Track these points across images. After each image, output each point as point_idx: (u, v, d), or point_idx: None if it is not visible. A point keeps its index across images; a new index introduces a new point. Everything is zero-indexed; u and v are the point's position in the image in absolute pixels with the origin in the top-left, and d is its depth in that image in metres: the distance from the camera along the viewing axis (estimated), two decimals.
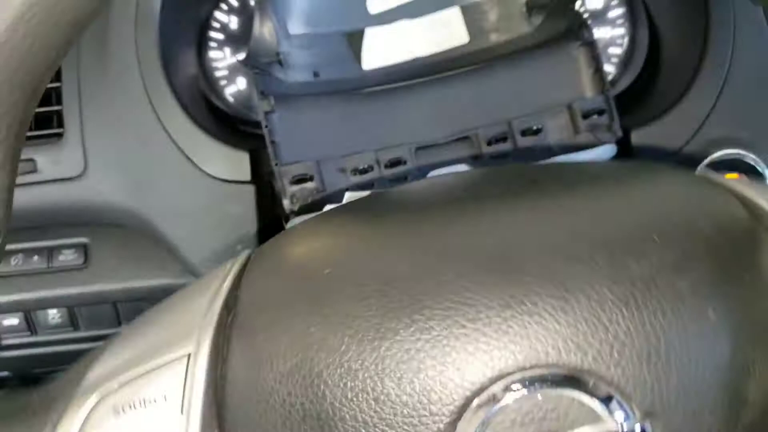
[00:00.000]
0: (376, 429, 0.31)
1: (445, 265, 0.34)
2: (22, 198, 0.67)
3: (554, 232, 0.34)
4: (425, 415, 0.31)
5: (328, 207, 0.63)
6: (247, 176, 0.68)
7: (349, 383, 0.32)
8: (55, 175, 0.69)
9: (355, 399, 0.32)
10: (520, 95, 0.68)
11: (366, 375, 0.32)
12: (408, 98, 0.69)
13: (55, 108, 0.69)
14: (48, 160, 0.69)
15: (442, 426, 0.31)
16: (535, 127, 0.66)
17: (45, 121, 0.69)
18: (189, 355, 0.36)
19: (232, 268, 0.40)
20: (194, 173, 0.68)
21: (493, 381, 0.31)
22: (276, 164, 0.64)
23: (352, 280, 0.35)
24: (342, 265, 0.36)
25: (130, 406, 0.35)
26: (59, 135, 0.69)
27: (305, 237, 0.41)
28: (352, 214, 0.43)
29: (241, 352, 0.36)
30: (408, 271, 0.34)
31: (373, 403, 0.32)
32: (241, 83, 0.80)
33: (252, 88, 0.72)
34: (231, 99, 0.80)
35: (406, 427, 0.31)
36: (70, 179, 0.69)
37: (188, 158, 0.68)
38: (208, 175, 0.68)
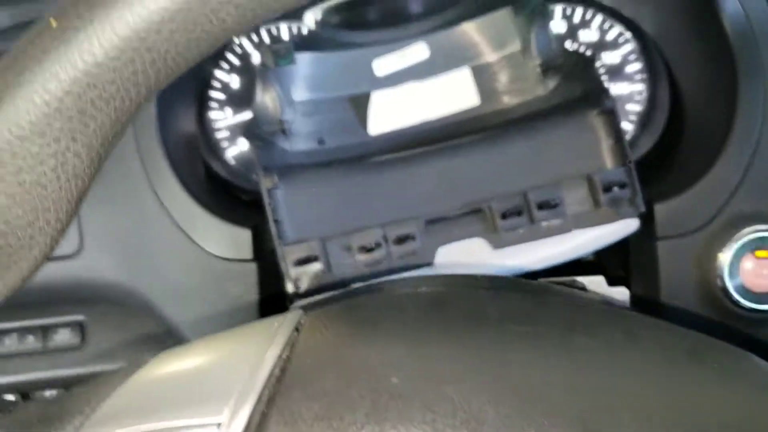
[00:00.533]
0: None
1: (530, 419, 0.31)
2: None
3: None
4: None
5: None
6: (249, 254, 0.65)
7: None
8: (51, 253, 0.66)
9: None
10: (536, 164, 0.64)
11: None
12: (416, 167, 0.65)
13: None
14: None
15: None
16: (552, 201, 0.63)
17: None
18: (218, 426, 0.32)
19: (279, 331, 0.37)
20: (194, 251, 0.65)
21: None
22: (279, 245, 0.61)
23: (422, 402, 0.32)
24: (411, 380, 0.33)
25: None
26: None
27: (367, 323, 0.37)
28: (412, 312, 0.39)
29: None
30: (494, 414, 0.31)
31: None
32: (243, 144, 0.77)
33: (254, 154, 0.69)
34: (232, 162, 0.77)
35: None
36: (65, 257, 0.67)
37: (187, 236, 0.65)
38: (208, 253, 0.65)
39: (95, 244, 0.67)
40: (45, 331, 0.70)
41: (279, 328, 0.38)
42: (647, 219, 0.64)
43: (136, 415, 0.34)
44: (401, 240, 0.64)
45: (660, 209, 0.64)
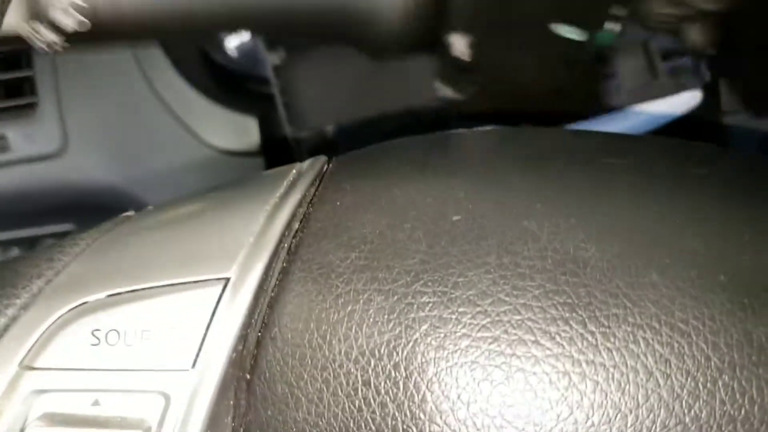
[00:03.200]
0: None
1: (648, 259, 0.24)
2: None
3: None
4: None
5: None
6: (256, 146, 0.57)
7: (456, 391, 0.23)
8: (29, 153, 0.59)
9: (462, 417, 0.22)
10: None
11: (484, 389, 0.23)
12: None
13: (25, 73, 0.58)
14: (20, 136, 0.59)
15: None
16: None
17: (15, 89, 0.59)
18: (226, 282, 0.25)
19: (299, 176, 0.29)
20: (193, 143, 0.58)
21: None
22: (291, 131, 0.53)
23: (497, 240, 0.25)
24: (479, 217, 0.26)
25: (119, 336, 0.25)
26: (32, 105, 0.58)
27: (415, 161, 0.30)
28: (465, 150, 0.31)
29: (303, 298, 0.25)
30: (598, 254, 0.24)
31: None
32: (245, 33, 0.68)
33: (258, 38, 0.61)
34: (233, 54, 0.68)
35: None
36: (47, 157, 0.59)
37: (186, 126, 0.57)
38: (210, 145, 0.57)
39: (81, 141, 0.59)
40: (32, 243, 0.62)
41: (298, 174, 0.30)
42: (711, 93, 0.56)
43: (115, 276, 0.26)
44: (433, 123, 0.56)
45: (726, 80, 0.56)
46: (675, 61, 0.56)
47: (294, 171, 0.30)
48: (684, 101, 0.56)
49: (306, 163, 0.30)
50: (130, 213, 0.30)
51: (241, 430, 0.26)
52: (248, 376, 0.26)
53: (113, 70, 0.58)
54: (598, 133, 0.33)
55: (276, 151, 0.58)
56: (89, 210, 0.62)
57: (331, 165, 0.31)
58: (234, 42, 0.68)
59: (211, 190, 0.31)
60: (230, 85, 0.64)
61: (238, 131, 0.58)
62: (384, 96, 0.56)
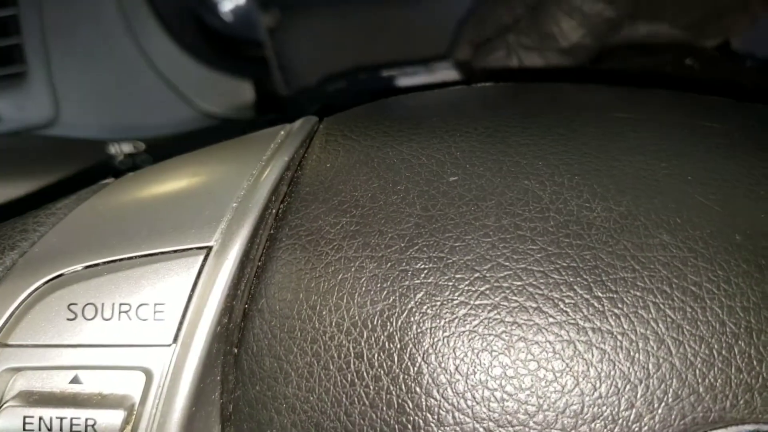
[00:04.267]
0: None
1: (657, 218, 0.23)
2: None
3: None
4: None
5: None
6: (251, 112, 0.55)
7: (454, 362, 0.22)
8: (20, 124, 0.57)
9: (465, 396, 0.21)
10: None
11: (483, 360, 0.21)
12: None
13: (13, 41, 0.56)
14: (10, 106, 0.57)
15: None
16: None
17: (3, 58, 0.57)
18: (208, 251, 0.24)
19: (289, 138, 0.28)
20: (186, 109, 0.56)
21: None
22: (286, 93, 0.51)
23: (496, 202, 0.23)
24: (476, 177, 0.24)
25: (96, 310, 0.24)
26: (21, 74, 0.56)
27: (409, 120, 0.28)
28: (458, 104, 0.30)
29: (291, 266, 0.24)
30: (604, 213, 0.23)
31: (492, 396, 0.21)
32: None
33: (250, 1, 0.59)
34: (227, 17, 0.66)
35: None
36: (38, 127, 0.57)
37: (179, 91, 0.55)
38: (204, 111, 0.55)
39: (72, 110, 0.57)
40: None
41: (287, 135, 0.28)
42: None
43: (92, 247, 0.25)
44: (429, 87, 0.54)
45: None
46: None
47: (282, 132, 0.28)
48: None
49: (296, 124, 0.29)
50: (109, 180, 0.28)
51: (230, 406, 0.24)
52: (236, 350, 0.24)
53: (104, 37, 0.56)
54: (605, 88, 0.31)
55: (271, 116, 0.56)
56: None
57: (321, 125, 0.29)
58: (228, 5, 0.66)
59: (194, 155, 0.29)
60: (224, 49, 0.62)
61: (232, 96, 0.56)
62: (381, 56, 0.54)
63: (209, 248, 0.24)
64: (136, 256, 0.24)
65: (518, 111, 0.27)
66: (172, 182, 0.27)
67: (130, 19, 0.56)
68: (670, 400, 0.21)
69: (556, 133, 0.26)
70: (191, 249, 0.24)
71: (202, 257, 0.24)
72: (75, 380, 0.23)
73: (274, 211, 0.25)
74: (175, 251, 0.24)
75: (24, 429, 0.23)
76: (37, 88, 0.57)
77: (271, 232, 0.25)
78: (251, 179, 0.26)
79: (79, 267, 0.24)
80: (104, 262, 0.24)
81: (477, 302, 0.22)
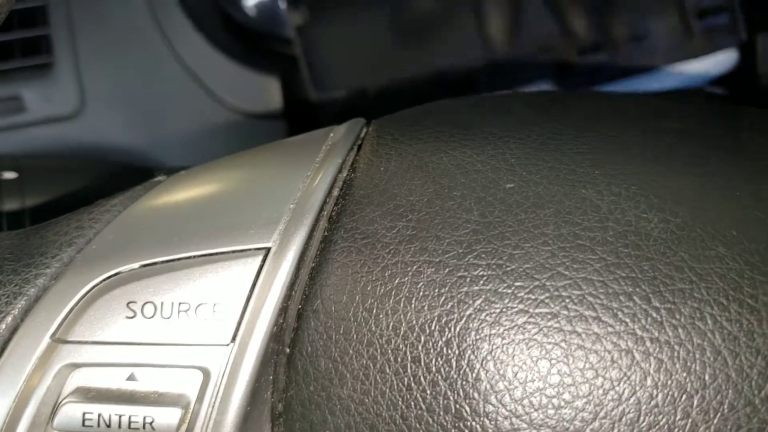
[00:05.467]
0: None
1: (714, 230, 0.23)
2: (8, 143, 0.55)
3: None
4: None
5: None
6: (278, 107, 0.56)
7: (512, 369, 0.22)
8: (45, 115, 0.57)
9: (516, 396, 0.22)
10: None
11: (541, 367, 0.22)
12: (476, 1, 0.55)
13: (42, 32, 0.56)
14: (37, 97, 0.57)
15: None
16: (637, 33, 0.53)
17: (30, 48, 0.57)
18: (267, 252, 0.24)
19: (340, 142, 0.28)
20: (213, 105, 0.56)
21: None
22: (315, 92, 0.51)
23: (554, 210, 0.24)
24: (533, 184, 0.24)
25: (155, 309, 0.24)
26: (49, 65, 0.56)
27: (461, 125, 0.28)
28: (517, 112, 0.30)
29: (347, 269, 0.24)
30: (661, 224, 0.23)
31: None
32: None
33: None
34: (252, 12, 0.67)
35: None
36: (64, 118, 0.57)
37: (206, 87, 0.56)
38: (231, 106, 0.56)
39: (99, 101, 0.58)
40: None
41: (336, 137, 0.28)
42: (748, 51, 0.54)
43: (150, 245, 0.25)
44: (460, 87, 0.54)
45: (764, 41, 0.54)
46: (710, 20, 0.54)
47: (332, 134, 0.29)
48: (719, 62, 0.55)
49: (343, 127, 0.29)
50: (162, 177, 0.28)
51: (280, 406, 0.25)
52: (288, 350, 0.24)
53: (131, 29, 0.56)
54: (646, 96, 0.31)
55: (298, 113, 0.56)
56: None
57: (370, 128, 0.29)
58: (252, 1, 0.66)
59: (244, 155, 0.29)
60: (251, 44, 0.62)
61: (259, 92, 0.56)
62: (410, 57, 0.54)
63: (268, 249, 0.24)
64: (195, 256, 0.24)
65: (570, 118, 0.28)
66: (226, 182, 0.27)
67: (157, 12, 0.56)
68: (726, 410, 0.21)
69: (611, 143, 0.26)
70: (250, 249, 0.24)
71: (261, 258, 0.24)
72: (131, 378, 0.24)
73: (327, 213, 0.25)
74: (234, 251, 0.24)
75: (83, 425, 0.23)
76: (64, 80, 0.57)
77: (326, 234, 0.25)
78: (306, 181, 0.26)
79: (136, 265, 0.24)
80: (162, 261, 0.24)
81: (536, 310, 0.22)
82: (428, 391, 0.22)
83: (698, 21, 0.53)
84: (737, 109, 0.30)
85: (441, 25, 0.54)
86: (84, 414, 0.23)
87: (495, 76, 0.54)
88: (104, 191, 0.28)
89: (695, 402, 0.21)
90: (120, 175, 0.49)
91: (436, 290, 0.23)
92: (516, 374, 0.22)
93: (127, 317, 0.24)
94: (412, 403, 0.22)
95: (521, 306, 0.22)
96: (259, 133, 0.57)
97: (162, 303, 0.24)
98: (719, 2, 0.53)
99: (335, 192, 0.26)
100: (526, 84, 0.54)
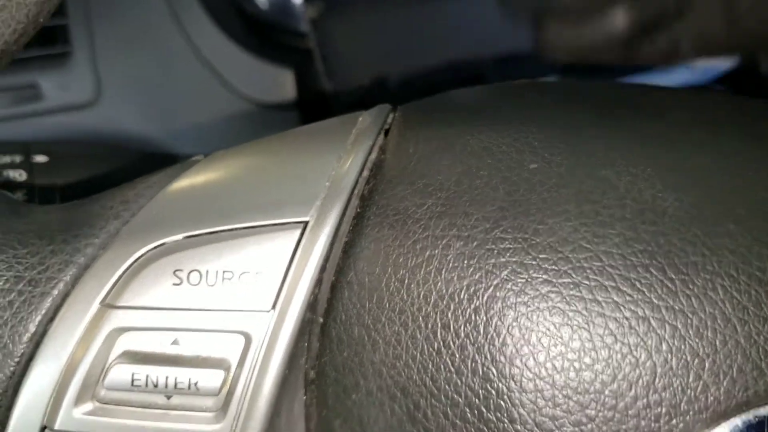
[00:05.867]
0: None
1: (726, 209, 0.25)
2: (25, 130, 0.56)
3: None
4: None
5: None
6: (292, 98, 0.57)
7: (536, 335, 0.23)
8: (62, 103, 0.58)
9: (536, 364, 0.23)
10: None
11: (564, 333, 0.23)
12: None
13: (59, 21, 0.57)
14: (54, 85, 0.58)
15: None
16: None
17: (48, 37, 0.58)
18: (305, 225, 0.26)
19: (369, 126, 0.29)
20: (228, 95, 0.57)
21: None
22: (329, 85, 0.53)
23: (576, 189, 0.25)
24: (557, 165, 0.26)
25: (201, 277, 0.26)
26: (66, 54, 0.58)
27: (485, 109, 0.30)
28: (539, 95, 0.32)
29: (379, 243, 0.26)
30: (676, 203, 0.25)
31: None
32: None
33: None
34: (264, 5, 0.68)
35: None
36: (80, 107, 0.58)
37: (221, 77, 0.57)
38: (245, 96, 0.57)
39: (114, 91, 0.58)
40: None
41: (364, 122, 0.30)
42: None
43: (194, 217, 0.26)
44: (470, 80, 0.55)
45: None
46: None
47: (360, 119, 0.30)
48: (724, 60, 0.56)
49: (371, 112, 0.30)
50: (199, 157, 0.30)
51: (312, 372, 0.26)
52: (321, 320, 0.26)
53: (147, 19, 0.58)
54: (657, 87, 0.33)
55: (312, 104, 0.58)
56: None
57: (396, 114, 0.31)
58: None
59: (278, 138, 0.31)
60: (264, 36, 0.63)
61: (273, 83, 0.58)
62: (422, 49, 0.56)
63: (306, 223, 0.26)
64: (237, 228, 0.26)
65: (587, 106, 0.29)
66: (263, 161, 0.29)
67: (174, 3, 0.57)
68: (735, 373, 0.22)
69: (627, 128, 0.27)
70: (290, 223, 0.26)
71: (299, 231, 0.26)
72: (175, 342, 0.25)
73: (359, 192, 0.27)
74: (275, 224, 0.26)
75: (132, 384, 0.25)
76: (80, 69, 0.58)
77: (358, 211, 0.27)
78: (339, 161, 0.27)
79: (179, 237, 0.26)
80: (205, 233, 0.26)
81: (559, 280, 0.23)
82: (457, 355, 0.24)
83: None
84: (747, 100, 0.32)
85: (453, 17, 0.55)
86: (133, 375, 0.25)
87: (504, 68, 0.56)
88: (129, 176, 0.30)
89: (707, 365, 0.23)
90: (144, 161, 0.51)
91: (465, 262, 0.24)
92: (540, 339, 0.23)
93: (174, 284, 0.25)
94: (442, 366, 0.24)
95: (545, 276, 0.24)
96: (272, 124, 0.58)
97: (207, 271, 0.25)
98: None
99: (366, 172, 0.28)
100: (534, 77, 0.56)
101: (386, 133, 0.30)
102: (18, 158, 0.46)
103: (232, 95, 0.58)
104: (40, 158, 0.47)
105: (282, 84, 0.58)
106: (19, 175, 0.45)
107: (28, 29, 0.25)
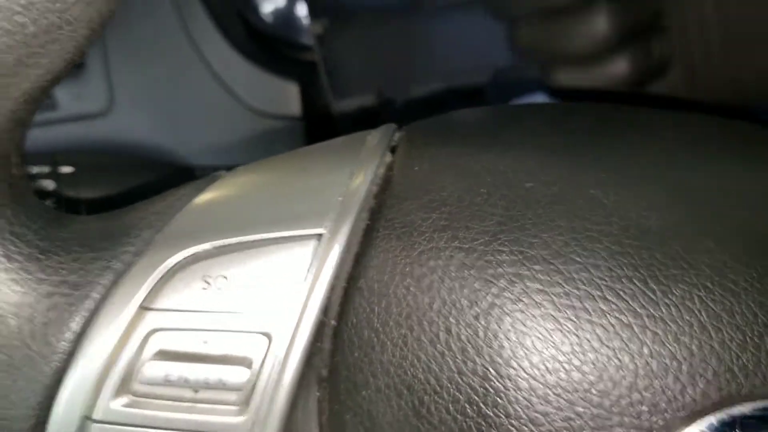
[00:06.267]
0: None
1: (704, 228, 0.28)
2: (40, 139, 0.58)
3: None
4: None
5: None
6: (297, 111, 0.60)
7: (530, 339, 0.26)
8: (76, 112, 0.61)
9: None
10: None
11: (555, 337, 0.26)
12: (485, 13, 0.59)
13: None
14: (68, 95, 0.61)
15: None
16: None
17: None
18: (319, 237, 0.28)
19: (377, 144, 0.32)
20: (236, 106, 0.60)
21: None
22: (334, 98, 0.55)
23: (566, 207, 0.28)
24: (549, 185, 0.29)
25: (227, 281, 0.28)
26: (80, 65, 0.60)
27: (484, 132, 0.33)
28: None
29: (387, 254, 0.28)
30: (659, 221, 0.27)
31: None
32: None
33: (292, 4, 0.63)
34: (269, 18, 0.70)
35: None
36: (93, 116, 0.61)
37: (229, 89, 0.60)
38: (253, 108, 0.60)
39: (127, 101, 0.61)
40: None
41: (372, 140, 0.32)
42: None
43: (220, 228, 0.29)
44: (467, 95, 0.58)
45: None
46: None
47: (368, 137, 0.33)
48: None
49: (378, 131, 0.33)
50: (222, 173, 0.32)
51: (324, 371, 0.29)
52: (333, 323, 0.28)
53: (159, 32, 0.60)
54: (646, 109, 0.35)
55: (316, 116, 0.60)
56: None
57: (403, 133, 0.33)
58: (269, 7, 0.70)
59: (293, 155, 0.33)
60: (269, 49, 0.66)
61: (279, 95, 0.60)
62: (423, 64, 0.58)
63: (320, 235, 0.28)
64: (260, 239, 0.28)
65: (581, 128, 0.32)
66: (281, 177, 0.31)
67: (184, 15, 0.60)
68: (710, 376, 0.25)
69: (616, 150, 0.30)
70: (307, 235, 0.28)
71: (315, 242, 0.28)
72: (205, 342, 0.28)
73: (369, 206, 0.30)
74: (293, 236, 0.28)
75: (166, 380, 0.27)
76: (94, 80, 0.61)
77: (368, 224, 0.29)
78: (351, 177, 0.30)
79: (208, 245, 0.28)
80: (231, 243, 0.28)
81: (552, 290, 0.26)
82: (458, 357, 0.26)
83: None
84: (731, 122, 0.34)
85: (452, 34, 0.58)
86: (166, 372, 0.27)
87: (502, 85, 0.58)
88: (149, 188, 0.32)
89: (684, 368, 0.25)
90: (163, 173, 0.53)
91: (466, 272, 0.27)
92: (534, 343, 0.26)
93: (203, 289, 0.28)
94: (444, 366, 0.26)
95: (539, 286, 0.26)
96: (278, 134, 0.61)
97: (233, 276, 0.28)
98: None
99: (375, 188, 0.30)
100: (532, 93, 0.58)
101: (392, 150, 0.32)
102: (46, 168, 0.49)
103: (240, 106, 0.60)
104: (66, 169, 0.49)
105: (287, 96, 0.60)
106: (48, 185, 0.48)
107: (75, 59, 0.27)
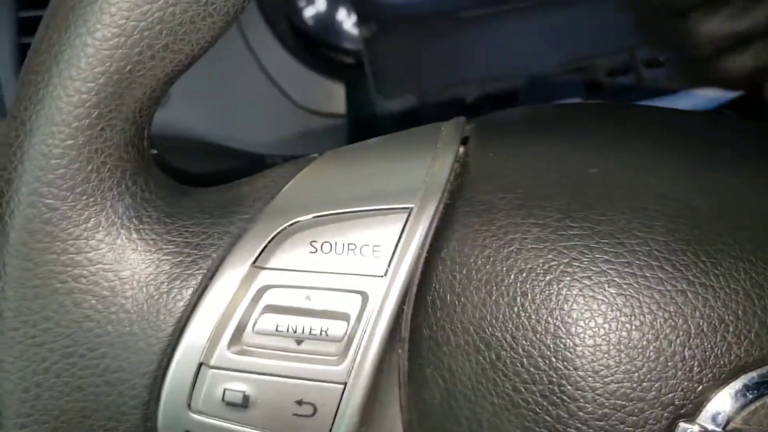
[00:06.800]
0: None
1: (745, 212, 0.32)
2: None
3: None
4: None
5: None
6: (342, 109, 0.64)
7: (597, 303, 0.30)
8: None
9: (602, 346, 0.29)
10: (644, 19, 0.62)
11: (618, 300, 0.30)
12: (519, 22, 0.63)
13: None
14: None
15: None
16: (661, 58, 0.61)
17: None
18: (410, 211, 0.32)
19: (452, 134, 0.36)
20: (285, 104, 0.64)
21: None
22: (379, 98, 0.59)
23: (626, 190, 0.31)
24: (611, 171, 0.33)
25: (331, 247, 0.32)
26: None
27: (550, 123, 0.37)
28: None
29: (468, 228, 0.32)
30: (706, 204, 0.31)
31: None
32: (320, 4, 0.74)
33: (333, 9, 0.67)
34: (310, 22, 0.74)
35: None
36: None
37: (279, 87, 0.63)
38: (300, 105, 0.63)
39: (181, 95, 0.65)
40: None
41: (446, 131, 0.36)
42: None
43: (322, 201, 0.33)
44: (501, 98, 0.62)
45: None
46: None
47: (442, 128, 0.36)
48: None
49: (450, 123, 0.37)
50: (315, 155, 0.36)
51: (405, 331, 0.33)
52: (415, 288, 0.32)
53: None
54: (682, 111, 0.40)
55: (361, 115, 0.64)
56: None
57: (471, 125, 0.37)
58: (310, 11, 0.74)
59: (373, 143, 0.37)
60: (316, 52, 0.70)
61: (326, 95, 0.64)
62: (464, 67, 0.62)
63: (411, 209, 0.32)
64: (358, 210, 0.32)
65: (632, 125, 0.36)
66: (370, 159, 0.35)
67: (240, 18, 0.64)
68: (753, 336, 0.29)
69: (662, 145, 0.34)
70: (399, 208, 0.32)
71: (406, 215, 0.32)
72: (308, 298, 0.32)
73: (450, 187, 0.33)
74: (387, 209, 0.32)
75: (276, 330, 0.31)
76: None
77: (448, 202, 0.33)
78: (432, 161, 0.34)
79: (310, 216, 0.32)
80: (332, 214, 0.32)
81: (616, 260, 0.30)
82: (533, 317, 0.30)
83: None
84: (759, 123, 0.38)
85: (487, 37, 0.62)
86: (277, 323, 0.31)
87: (534, 90, 0.63)
88: (230, 171, 0.36)
89: (731, 329, 0.29)
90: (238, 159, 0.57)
91: (541, 244, 0.31)
92: (599, 305, 0.30)
93: (310, 252, 0.32)
94: (520, 326, 0.30)
95: (605, 256, 0.30)
96: (325, 131, 0.64)
97: (336, 242, 0.32)
98: None
99: (455, 171, 0.34)
100: (561, 98, 0.63)
101: (464, 140, 0.36)
102: None
103: (289, 104, 0.64)
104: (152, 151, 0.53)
105: (334, 96, 0.64)
106: None
107: (209, 48, 0.31)
